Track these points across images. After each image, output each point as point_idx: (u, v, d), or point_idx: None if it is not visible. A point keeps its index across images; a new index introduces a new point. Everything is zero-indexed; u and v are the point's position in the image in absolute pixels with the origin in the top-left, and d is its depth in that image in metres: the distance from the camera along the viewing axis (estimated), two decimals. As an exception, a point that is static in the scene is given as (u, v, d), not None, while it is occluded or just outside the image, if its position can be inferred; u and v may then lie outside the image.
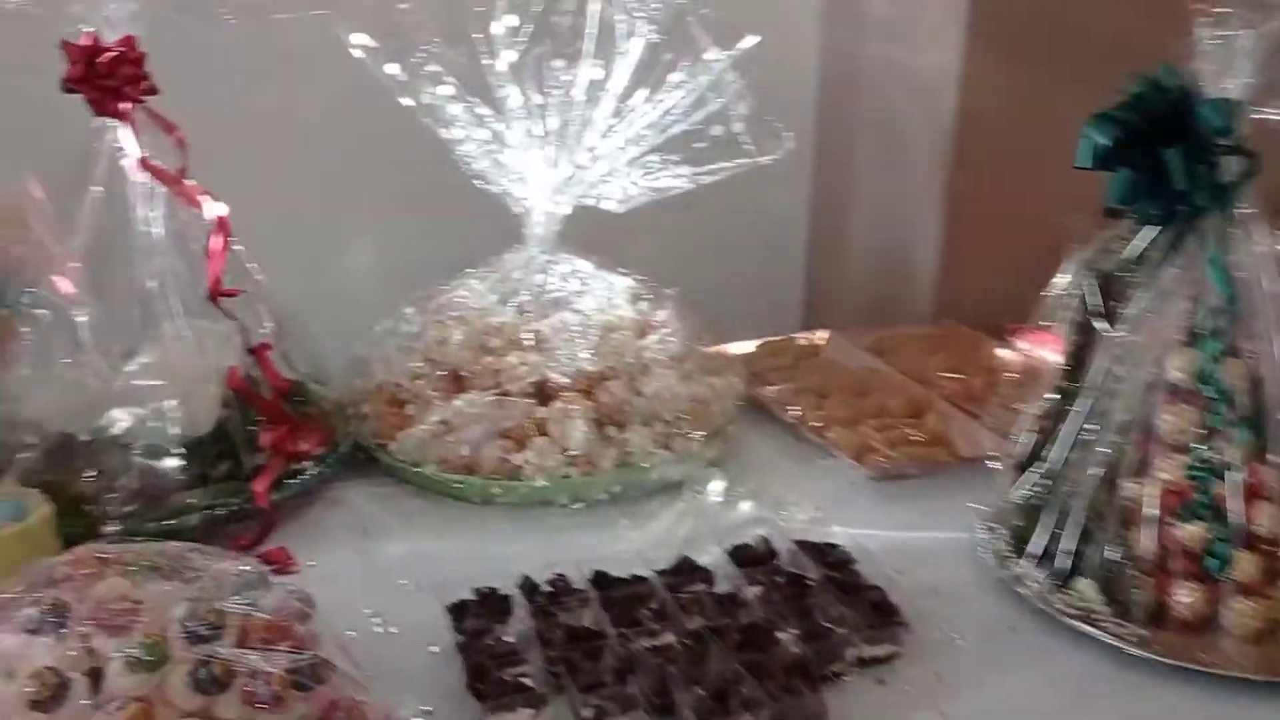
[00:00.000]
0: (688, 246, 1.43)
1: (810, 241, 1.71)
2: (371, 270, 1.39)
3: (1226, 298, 0.91)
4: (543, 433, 1.12)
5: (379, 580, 0.99)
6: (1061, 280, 1.03)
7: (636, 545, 1.04)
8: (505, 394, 1.13)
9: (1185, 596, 0.90)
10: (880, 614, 0.89)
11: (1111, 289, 0.99)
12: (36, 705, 0.58)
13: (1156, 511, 0.91)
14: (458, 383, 1.16)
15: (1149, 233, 0.94)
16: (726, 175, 1.14)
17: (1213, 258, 0.91)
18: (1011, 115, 1.55)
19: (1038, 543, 0.96)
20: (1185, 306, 0.93)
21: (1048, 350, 1.49)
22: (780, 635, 0.86)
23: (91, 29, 0.99)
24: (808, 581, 0.93)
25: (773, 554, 0.97)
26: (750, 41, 1.15)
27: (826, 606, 0.90)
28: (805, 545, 0.98)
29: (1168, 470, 0.92)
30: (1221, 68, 0.88)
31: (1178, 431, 0.92)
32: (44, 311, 0.84)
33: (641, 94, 1.12)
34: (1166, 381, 0.93)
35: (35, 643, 0.61)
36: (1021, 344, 1.53)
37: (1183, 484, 0.91)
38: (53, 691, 0.59)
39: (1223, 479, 0.90)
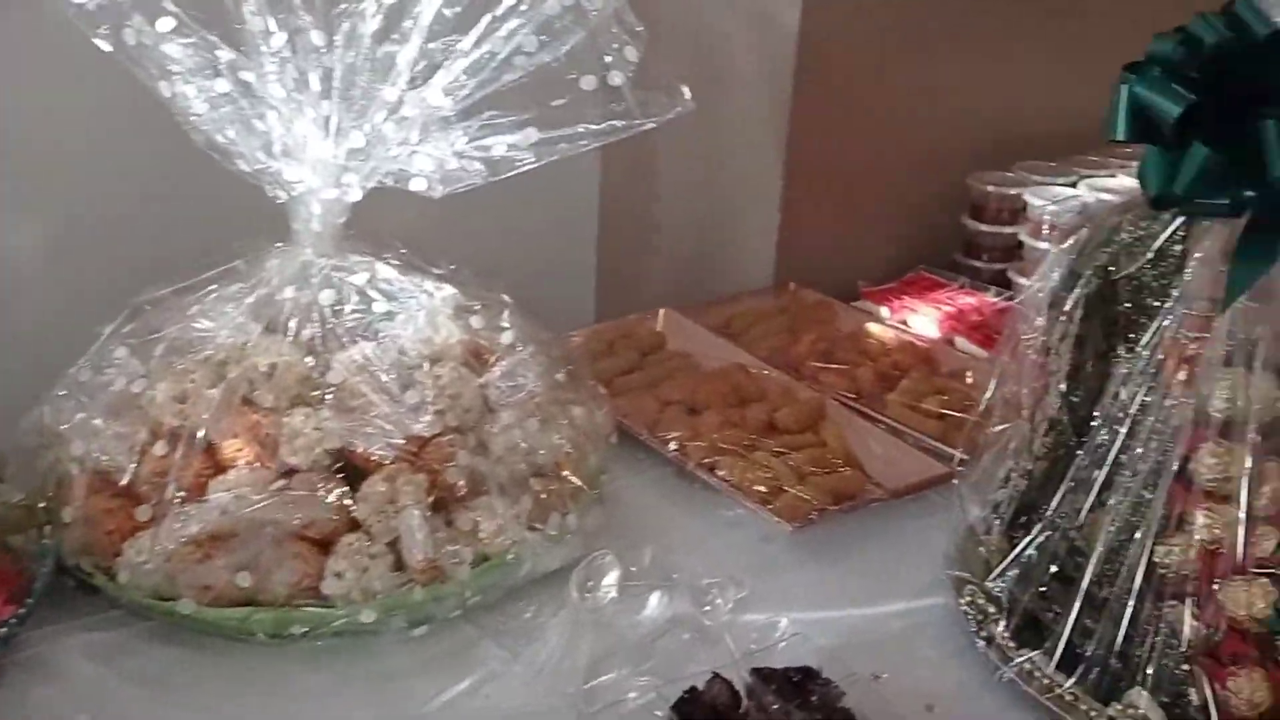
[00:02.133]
0: (449, 223, 0.99)
1: (605, 202, 1.34)
2: (45, 291, 0.93)
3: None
4: (354, 527, 0.77)
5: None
6: (1042, 281, 0.80)
7: (523, 684, 0.74)
8: (290, 473, 0.77)
9: (1243, 687, 0.71)
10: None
11: (1119, 295, 0.77)
12: None
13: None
14: (212, 458, 0.78)
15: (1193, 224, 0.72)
16: (592, 146, 0.81)
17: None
18: (867, 39, 1.31)
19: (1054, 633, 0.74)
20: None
21: (918, 318, 1.30)
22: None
23: None
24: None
25: (735, 700, 0.69)
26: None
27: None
28: (769, 676, 0.71)
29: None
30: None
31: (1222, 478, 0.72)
32: None
33: (474, 24, 0.76)
34: (1208, 415, 0.72)
35: None
36: (884, 312, 1.32)
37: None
38: None
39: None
